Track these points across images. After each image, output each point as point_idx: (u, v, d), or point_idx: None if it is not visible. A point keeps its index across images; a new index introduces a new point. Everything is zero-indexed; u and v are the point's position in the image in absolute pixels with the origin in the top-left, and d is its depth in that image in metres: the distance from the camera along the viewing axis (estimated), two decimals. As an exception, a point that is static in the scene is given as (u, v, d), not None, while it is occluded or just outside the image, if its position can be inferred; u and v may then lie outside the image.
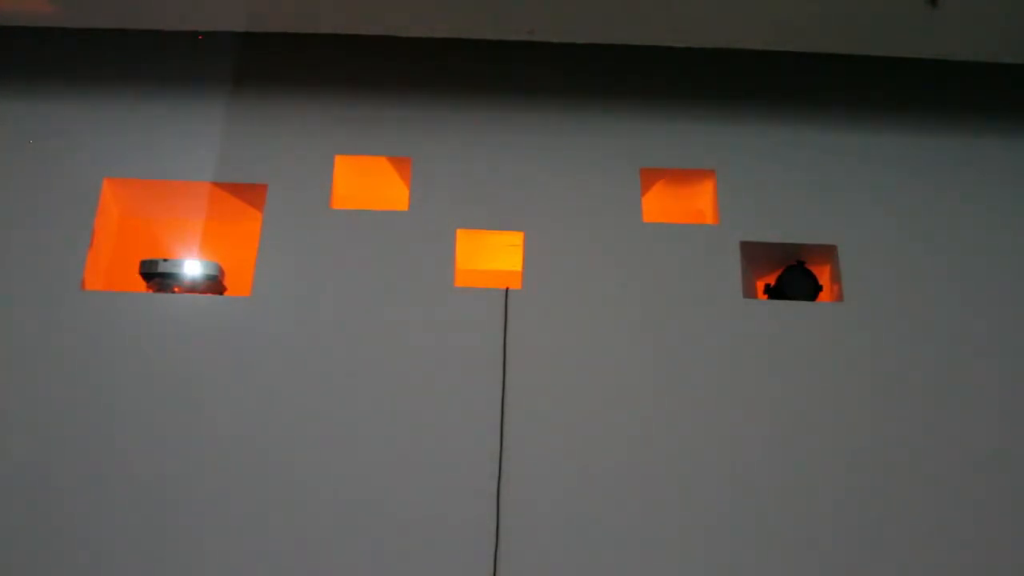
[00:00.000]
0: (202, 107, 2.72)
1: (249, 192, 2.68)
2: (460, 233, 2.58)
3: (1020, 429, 2.40)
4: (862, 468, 2.35)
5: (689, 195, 2.85)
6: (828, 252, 2.61)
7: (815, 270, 2.64)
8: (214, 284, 2.61)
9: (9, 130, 2.67)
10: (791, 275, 2.62)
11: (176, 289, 2.56)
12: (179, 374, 2.39)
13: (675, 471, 2.33)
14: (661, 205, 2.86)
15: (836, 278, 2.59)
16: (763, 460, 2.35)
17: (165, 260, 2.58)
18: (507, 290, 2.50)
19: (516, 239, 2.62)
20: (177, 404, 2.36)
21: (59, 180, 2.61)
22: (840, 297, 2.55)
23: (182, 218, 2.91)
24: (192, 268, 2.58)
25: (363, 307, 2.48)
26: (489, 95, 2.77)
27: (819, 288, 2.61)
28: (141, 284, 2.60)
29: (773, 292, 2.63)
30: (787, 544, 2.27)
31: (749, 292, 2.59)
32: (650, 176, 2.70)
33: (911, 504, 2.31)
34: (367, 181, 2.83)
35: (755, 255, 2.63)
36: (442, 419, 2.36)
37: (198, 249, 2.92)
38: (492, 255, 2.83)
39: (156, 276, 2.56)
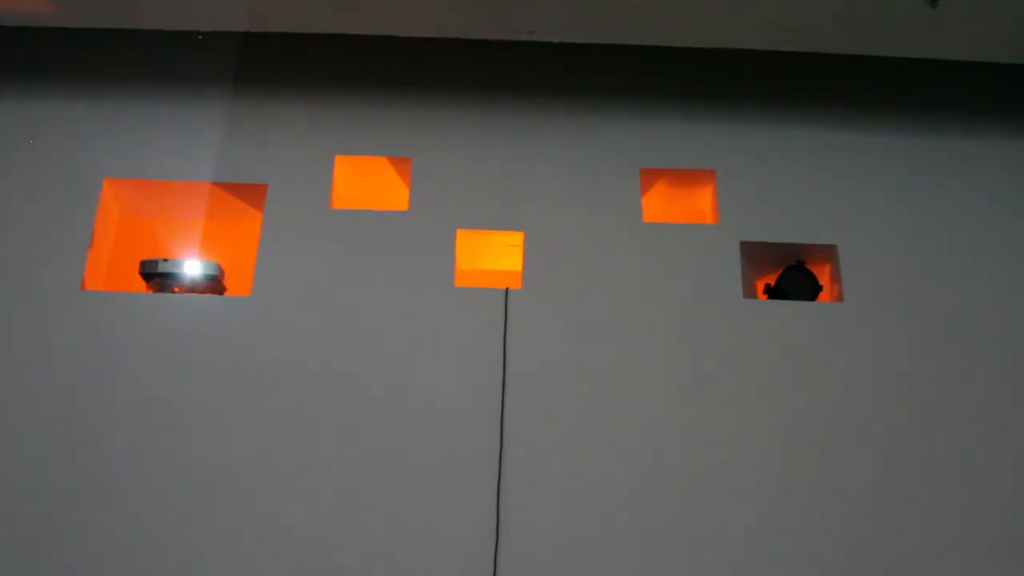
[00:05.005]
0: (202, 107, 2.72)
1: (249, 192, 2.68)
2: (460, 233, 2.58)
3: (1020, 429, 2.40)
4: (862, 467, 2.35)
5: (689, 195, 2.85)
6: (828, 252, 2.62)
7: (815, 270, 2.64)
8: (214, 284, 2.60)
9: (9, 130, 2.68)
10: (791, 275, 2.63)
11: (176, 289, 2.56)
12: (179, 374, 2.39)
13: (675, 470, 2.33)
14: (661, 205, 2.86)
15: (836, 278, 2.59)
16: (763, 459, 2.35)
17: (165, 260, 2.58)
18: (507, 290, 2.50)
19: (516, 239, 2.62)
20: (177, 404, 2.36)
21: (59, 180, 2.61)
22: (840, 297, 2.55)
23: (182, 218, 2.91)
24: (192, 268, 2.58)
25: (363, 307, 2.48)
26: (489, 95, 2.77)
27: (819, 288, 2.61)
28: (141, 284, 2.60)
29: (773, 292, 2.63)
30: (786, 543, 2.27)
31: (749, 292, 2.59)
32: (650, 176, 2.70)
33: (911, 503, 2.31)
34: (367, 181, 2.83)
35: (755, 255, 2.63)
36: (442, 419, 2.36)
37: (198, 249, 2.92)
38: (492, 255, 2.83)
39: (156, 276, 2.56)
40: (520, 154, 2.69)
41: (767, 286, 2.66)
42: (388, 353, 2.43)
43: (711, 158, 2.70)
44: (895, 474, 2.34)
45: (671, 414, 2.39)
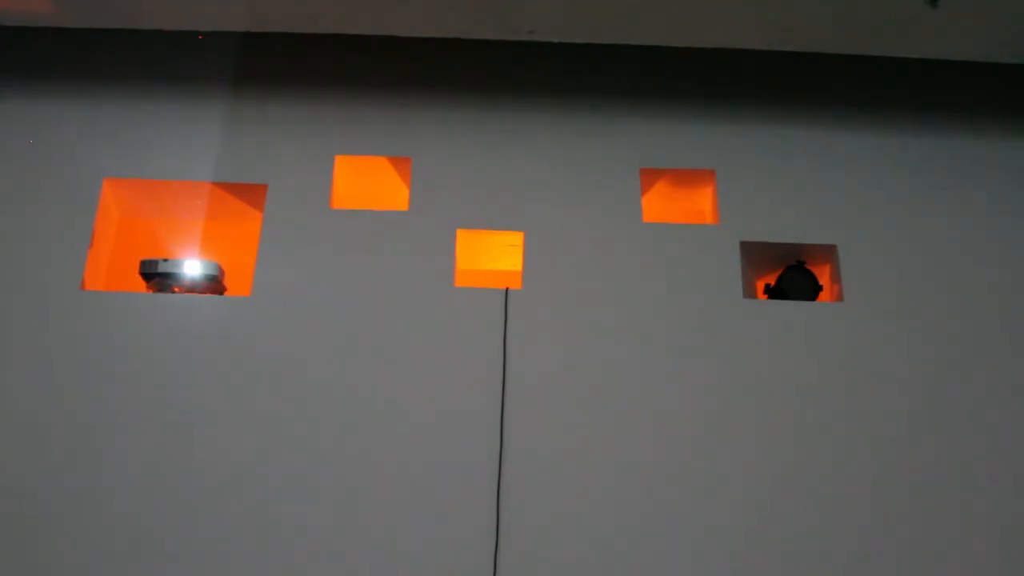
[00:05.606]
0: (202, 107, 2.72)
1: (249, 192, 2.68)
2: (460, 233, 2.58)
3: (1020, 429, 2.40)
4: (862, 467, 2.35)
5: (689, 195, 2.85)
6: (828, 252, 2.62)
7: (815, 270, 2.64)
8: (214, 284, 2.61)
9: (9, 130, 2.67)
10: (791, 275, 2.63)
11: (176, 289, 2.56)
12: (179, 374, 2.39)
13: (675, 470, 2.33)
14: (661, 205, 2.86)
15: (836, 278, 2.59)
16: (762, 459, 2.35)
17: (165, 260, 2.58)
18: (507, 290, 2.50)
19: (516, 239, 2.62)
20: (177, 404, 2.36)
21: (59, 180, 2.61)
22: (840, 297, 2.55)
23: (182, 218, 2.91)
24: (192, 268, 2.58)
25: (363, 307, 2.48)
26: (489, 95, 2.77)
27: (819, 288, 2.61)
28: (141, 284, 2.60)
29: (773, 292, 2.63)
30: (786, 543, 2.27)
31: (749, 292, 2.59)
32: (650, 176, 2.71)
33: (911, 503, 2.31)
34: (367, 181, 2.83)
35: (755, 255, 2.63)
36: (442, 419, 2.36)
37: (198, 249, 2.92)
38: (492, 255, 2.83)
39: (156, 276, 2.56)
40: (520, 154, 2.69)
41: (767, 286, 2.66)
42: (388, 353, 2.43)
43: (711, 158, 2.70)
44: (895, 474, 2.34)
45: (671, 414, 2.39)
